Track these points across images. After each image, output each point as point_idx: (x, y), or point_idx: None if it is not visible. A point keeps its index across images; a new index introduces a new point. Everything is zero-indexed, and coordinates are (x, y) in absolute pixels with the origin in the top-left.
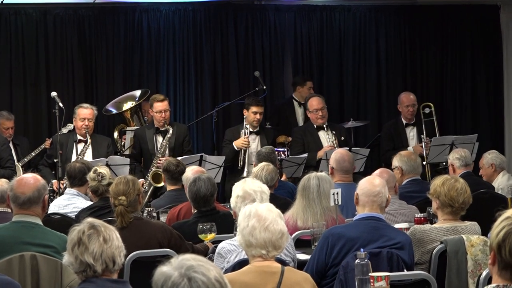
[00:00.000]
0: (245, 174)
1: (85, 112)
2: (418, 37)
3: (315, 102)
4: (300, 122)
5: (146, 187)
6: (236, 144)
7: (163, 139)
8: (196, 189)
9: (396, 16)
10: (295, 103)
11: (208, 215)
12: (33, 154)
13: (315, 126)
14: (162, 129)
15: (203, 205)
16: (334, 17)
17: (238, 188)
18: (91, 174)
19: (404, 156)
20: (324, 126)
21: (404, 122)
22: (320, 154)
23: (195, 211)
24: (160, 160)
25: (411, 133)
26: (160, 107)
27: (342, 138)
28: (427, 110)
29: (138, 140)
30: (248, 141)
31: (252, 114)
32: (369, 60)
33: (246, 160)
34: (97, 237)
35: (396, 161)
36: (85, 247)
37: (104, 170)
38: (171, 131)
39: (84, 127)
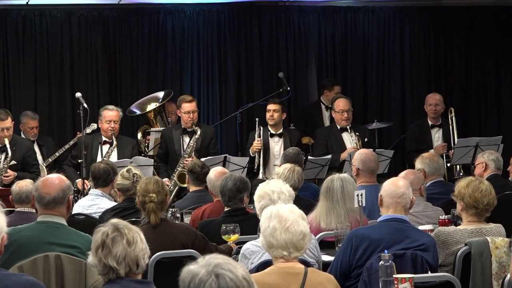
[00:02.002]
0: (260, 176)
1: (110, 114)
2: (442, 39)
3: (341, 103)
4: (327, 125)
5: (171, 187)
6: (251, 149)
7: (191, 140)
8: (224, 183)
9: (421, 17)
10: (323, 106)
11: (237, 215)
12: (57, 154)
13: (338, 127)
14: (189, 130)
15: (228, 199)
16: (358, 18)
17: (259, 188)
18: (124, 173)
19: (426, 158)
20: (348, 127)
21: (430, 123)
22: (344, 155)
23: (225, 210)
24: (187, 161)
25: (437, 135)
26: (188, 108)
27: (366, 139)
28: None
29: (165, 140)
30: (261, 144)
31: (267, 113)
32: (393, 61)
33: (261, 162)
34: (120, 240)
35: (418, 164)
36: (108, 250)
37: (138, 171)
38: (199, 132)
39: (110, 129)
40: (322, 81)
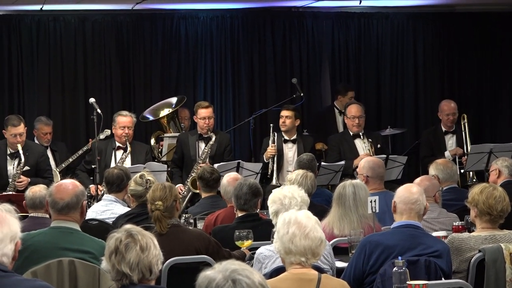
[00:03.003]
0: (274, 182)
1: (124, 120)
2: (456, 45)
3: (353, 110)
4: (341, 130)
5: (185, 192)
6: (265, 155)
7: (206, 146)
8: (239, 187)
9: (434, 23)
10: (336, 111)
11: (250, 221)
12: (70, 159)
13: (351, 133)
14: (205, 136)
15: (244, 203)
16: (372, 24)
17: (272, 193)
18: (137, 179)
19: (440, 164)
20: (360, 134)
21: (444, 129)
22: (357, 162)
23: (238, 216)
24: (201, 166)
25: (450, 141)
26: (204, 114)
27: (379, 145)
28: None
29: (180, 145)
30: (275, 149)
31: (280, 119)
32: (407, 67)
33: (275, 168)
34: (134, 246)
35: (432, 170)
36: (122, 256)
37: (151, 177)
38: (213, 138)
39: (124, 135)
40: (336, 86)
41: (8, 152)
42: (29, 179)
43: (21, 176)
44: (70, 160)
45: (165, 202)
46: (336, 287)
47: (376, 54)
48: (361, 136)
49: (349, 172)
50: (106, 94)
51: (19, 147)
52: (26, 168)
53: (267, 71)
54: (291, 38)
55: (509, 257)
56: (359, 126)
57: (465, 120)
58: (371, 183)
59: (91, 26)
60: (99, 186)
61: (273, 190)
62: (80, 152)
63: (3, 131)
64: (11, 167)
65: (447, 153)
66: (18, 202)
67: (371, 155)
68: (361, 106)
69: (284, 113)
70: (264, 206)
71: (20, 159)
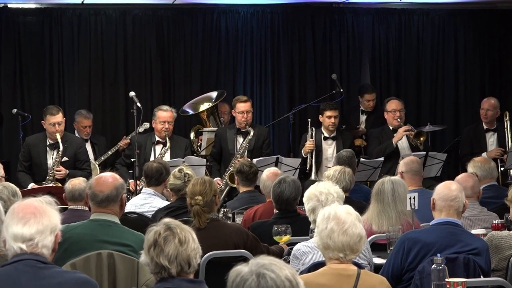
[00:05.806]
0: (313, 177)
1: (165, 115)
2: (497, 42)
3: (394, 104)
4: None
5: (222, 186)
6: (303, 150)
7: (244, 140)
8: (280, 190)
9: (475, 20)
10: (360, 111)
11: (288, 217)
12: (109, 153)
13: (390, 128)
14: (243, 130)
15: (285, 207)
16: (413, 21)
17: (308, 190)
18: (176, 173)
19: (477, 162)
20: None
21: (485, 127)
22: (398, 136)
23: (276, 211)
24: (239, 161)
25: (491, 139)
26: (242, 108)
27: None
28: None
29: (218, 140)
30: (313, 144)
31: (327, 118)
32: (447, 64)
33: (314, 163)
34: (172, 239)
35: (470, 168)
36: (160, 249)
37: (190, 171)
38: (252, 133)
39: (164, 130)
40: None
41: (48, 143)
42: (67, 171)
43: (60, 166)
44: (109, 153)
45: (205, 197)
46: (375, 283)
47: (417, 50)
48: None
49: (392, 149)
50: (146, 88)
51: (58, 136)
52: (65, 159)
53: (306, 67)
54: (331, 34)
55: None
56: (401, 119)
57: (507, 118)
58: (406, 179)
59: (131, 20)
60: (138, 182)
61: (310, 187)
62: (117, 147)
63: (42, 122)
64: (51, 159)
65: (484, 154)
66: (58, 194)
67: (408, 129)
68: (401, 101)
69: (332, 113)
70: (302, 202)
71: (58, 149)
